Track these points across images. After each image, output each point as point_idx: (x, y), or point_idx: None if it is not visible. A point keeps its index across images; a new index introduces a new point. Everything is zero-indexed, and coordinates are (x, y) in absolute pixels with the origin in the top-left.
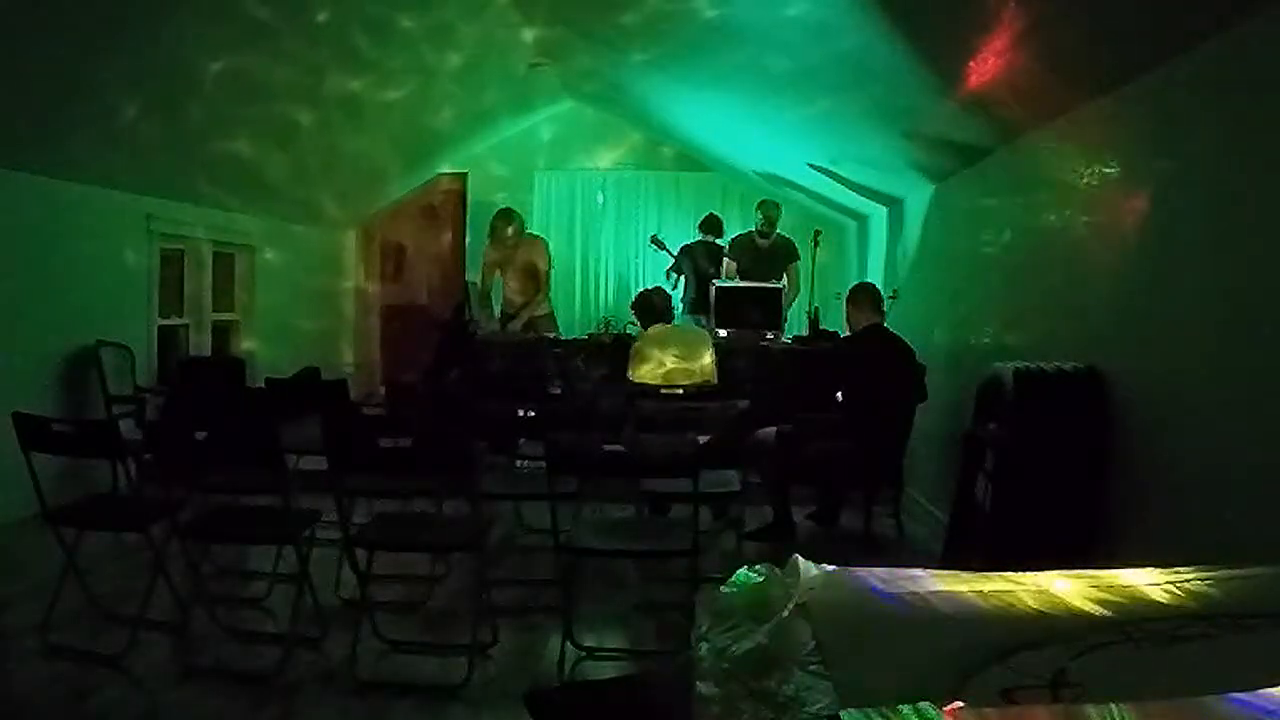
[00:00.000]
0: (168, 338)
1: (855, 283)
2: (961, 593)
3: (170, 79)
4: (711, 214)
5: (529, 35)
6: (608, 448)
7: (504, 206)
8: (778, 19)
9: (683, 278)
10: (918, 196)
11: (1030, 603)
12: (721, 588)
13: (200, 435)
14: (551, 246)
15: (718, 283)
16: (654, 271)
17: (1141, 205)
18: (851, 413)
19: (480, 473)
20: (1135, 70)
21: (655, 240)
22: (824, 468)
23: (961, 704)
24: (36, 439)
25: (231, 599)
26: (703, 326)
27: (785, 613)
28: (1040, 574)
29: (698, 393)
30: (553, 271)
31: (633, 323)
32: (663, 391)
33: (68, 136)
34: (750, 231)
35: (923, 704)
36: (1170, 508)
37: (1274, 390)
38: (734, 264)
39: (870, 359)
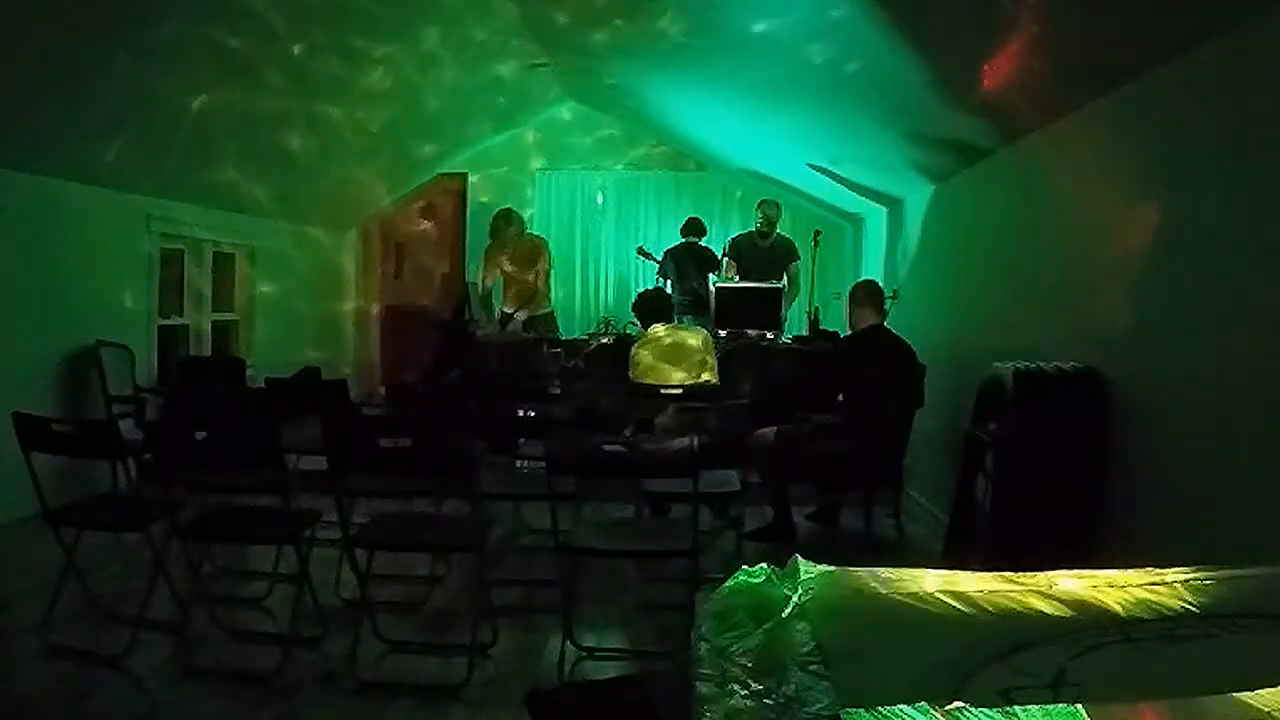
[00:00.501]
0: (168, 338)
1: (857, 281)
2: (961, 592)
3: (170, 78)
4: (692, 217)
5: (529, 35)
6: (608, 448)
7: (504, 207)
8: (778, 19)
9: (668, 281)
10: (918, 196)
11: (1030, 603)
12: (721, 587)
13: (200, 435)
14: (551, 246)
15: (718, 283)
16: (653, 272)
17: (1142, 205)
18: (851, 413)
19: (480, 473)
20: (1136, 70)
21: (641, 251)
22: (824, 468)
23: (961, 704)
24: (36, 439)
25: (231, 599)
26: (702, 327)
27: (785, 613)
28: (1040, 574)
29: (698, 393)
30: (553, 271)
31: (633, 323)
32: (663, 391)
33: (68, 136)
34: (750, 231)
35: (920, 703)
36: (1170, 508)
37: (1274, 390)
38: (734, 264)
39: (870, 360)
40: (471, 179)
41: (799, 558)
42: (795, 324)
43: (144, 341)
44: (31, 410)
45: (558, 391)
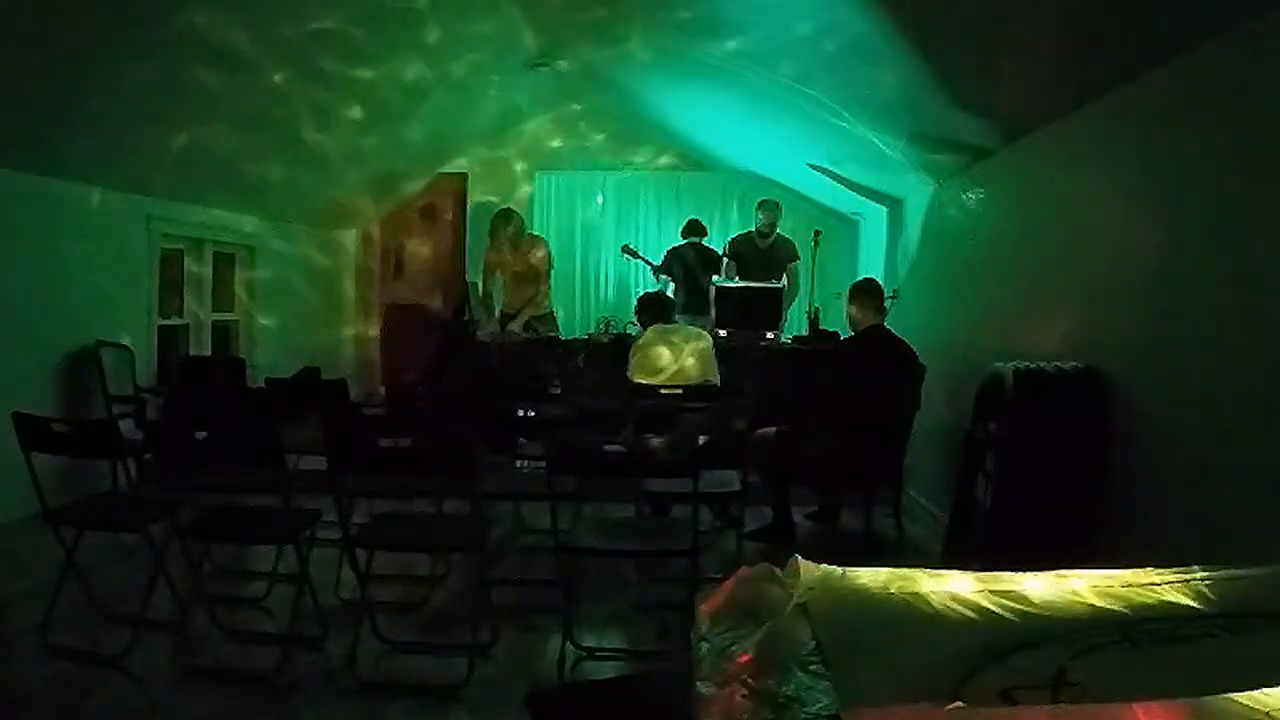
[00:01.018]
0: (168, 338)
1: (857, 280)
2: (961, 592)
3: (170, 80)
4: (693, 219)
5: (529, 35)
6: (608, 448)
7: (504, 207)
8: (778, 20)
9: (670, 281)
10: (918, 196)
11: (1030, 602)
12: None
13: (200, 435)
14: (551, 246)
15: (717, 283)
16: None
17: (1142, 206)
18: (851, 413)
19: (480, 473)
20: (1136, 71)
21: (627, 250)
22: (824, 468)
23: (961, 704)
24: (36, 439)
25: (231, 599)
26: (702, 326)
27: (785, 613)
28: (1040, 574)
29: (698, 393)
30: (553, 271)
31: (633, 323)
32: (663, 391)
33: (68, 137)
34: (750, 231)
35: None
36: (1170, 508)
37: (1274, 390)
38: (733, 264)
39: (870, 360)
40: (471, 179)
41: (799, 558)
42: (795, 324)
43: (144, 341)
44: (31, 410)
45: (558, 391)
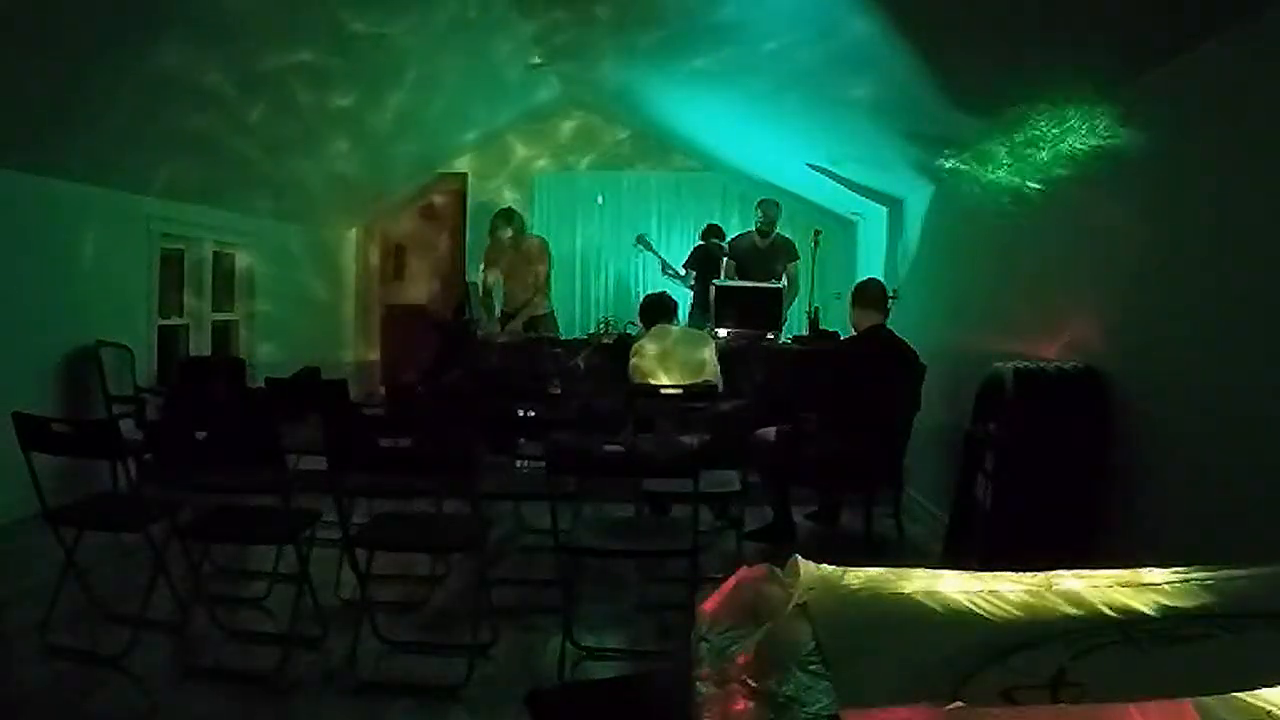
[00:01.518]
0: (168, 338)
1: (859, 281)
2: (961, 592)
3: (170, 80)
4: (711, 224)
5: (529, 35)
6: (608, 448)
7: (504, 206)
8: (778, 20)
9: (694, 274)
10: (918, 196)
11: (1030, 602)
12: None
13: (200, 435)
14: (551, 246)
15: (717, 282)
16: (654, 272)
17: (1142, 206)
18: (851, 413)
19: (480, 473)
20: (1136, 71)
21: (641, 240)
22: (824, 468)
23: (961, 704)
24: (36, 439)
25: (231, 599)
26: (703, 327)
27: (785, 613)
28: (1040, 573)
29: (698, 393)
30: (553, 271)
31: (633, 323)
32: (663, 391)
33: (68, 137)
34: (750, 231)
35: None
36: (1169, 507)
37: (1274, 390)
38: (733, 263)
39: (870, 360)
40: (471, 179)
41: (799, 558)
42: (795, 324)
43: (144, 341)
44: (31, 410)
45: (558, 391)
